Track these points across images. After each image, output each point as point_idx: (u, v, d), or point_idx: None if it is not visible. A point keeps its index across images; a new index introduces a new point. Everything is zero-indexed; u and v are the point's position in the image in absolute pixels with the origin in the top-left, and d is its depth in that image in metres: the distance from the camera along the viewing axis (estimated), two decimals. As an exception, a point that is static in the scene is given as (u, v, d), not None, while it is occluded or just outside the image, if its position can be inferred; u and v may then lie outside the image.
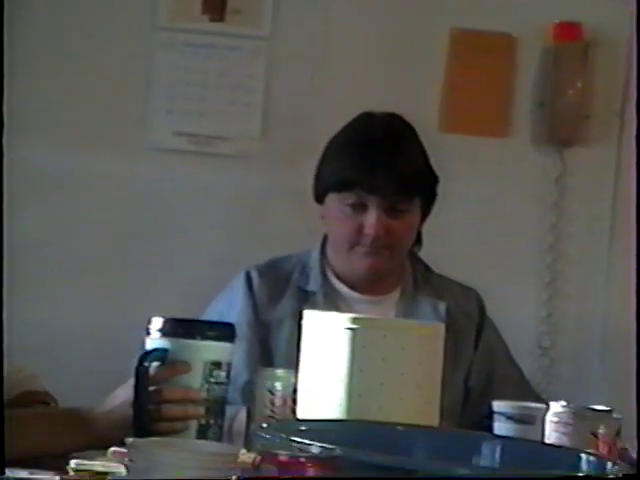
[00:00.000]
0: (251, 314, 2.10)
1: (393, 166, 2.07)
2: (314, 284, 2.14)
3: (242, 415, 1.75)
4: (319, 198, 2.15)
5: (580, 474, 1.21)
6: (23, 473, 1.39)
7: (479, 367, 2.16)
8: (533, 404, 1.75)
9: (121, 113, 2.82)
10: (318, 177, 2.16)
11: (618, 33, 2.90)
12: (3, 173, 1.38)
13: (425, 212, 2.16)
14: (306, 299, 2.11)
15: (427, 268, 2.24)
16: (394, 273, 2.16)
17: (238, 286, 2.14)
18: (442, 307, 2.15)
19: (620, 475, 1.16)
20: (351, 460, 1.07)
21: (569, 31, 2.87)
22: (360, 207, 2.08)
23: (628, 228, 2.91)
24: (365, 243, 2.09)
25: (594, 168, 2.92)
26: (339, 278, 2.16)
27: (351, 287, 2.15)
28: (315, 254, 2.18)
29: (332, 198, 2.12)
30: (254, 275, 2.14)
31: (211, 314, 2.11)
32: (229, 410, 1.67)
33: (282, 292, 2.13)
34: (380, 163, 2.06)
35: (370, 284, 2.14)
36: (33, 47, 2.74)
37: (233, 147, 2.85)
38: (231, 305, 2.12)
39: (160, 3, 2.83)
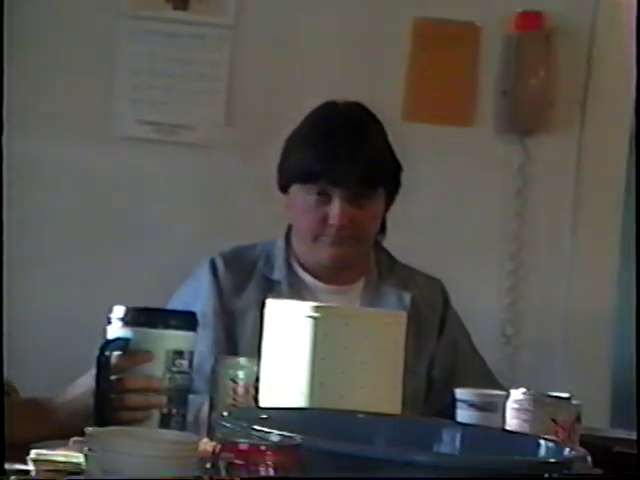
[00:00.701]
0: (217, 302, 2.09)
1: (356, 157, 2.07)
2: (278, 273, 2.14)
3: (207, 406, 1.75)
4: (283, 188, 2.15)
5: (538, 459, 1.22)
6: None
7: (442, 357, 2.17)
8: (495, 391, 1.76)
9: (85, 102, 2.81)
10: (281, 168, 2.15)
11: (579, 22, 2.92)
12: (3, 173, 1.38)
13: (389, 201, 2.16)
14: (271, 288, 2.11)
15: (391, 258, 2.25)
16: (359, 263, 2.17)
17: (203, 274, 2.13)
18: (407, 297, 2.15)
19: (579, 460, 1.17)
20: (311, 448, 1.07)
21: (531, 20, 2.88)
22: (324, 197, 2.08)
23: (591, 215, 2.94)
24: (329, 233, 2.09)
25: (557, 156, 2.93)
26: (303, 268, 2.16)
27: (315, 277, 2.16)
28: (280, 243, 2.18)
29: (296, 189, 2.11)
30: (219, 263, 2.13)
31: (176, 303, 2.10)
32: (195, 399, 1.67)
33: (247, 281, 2.12)
34: (343, 154, 2.06)
35: (334, 274, 2.14)
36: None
37: (197, 136, 2.84)
38: (197, 294, 2.11)
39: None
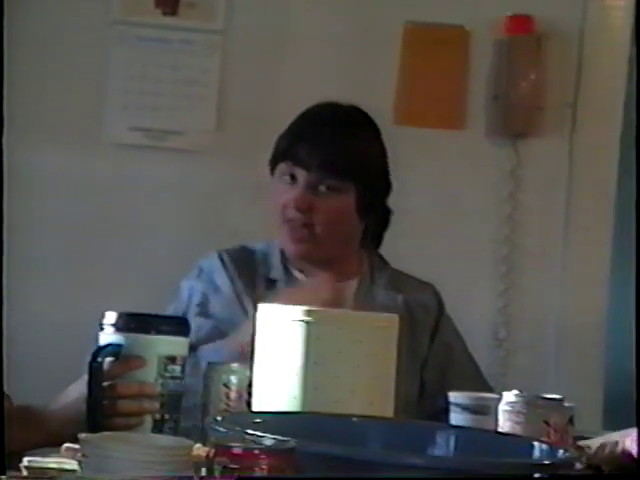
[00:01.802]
0: (236, 287, 2.10)
1: (324, 140, 2.07)
2: (276, 273, 2.15)
3: None
4: (272, 175, 2.16)
5: (532, 461, 1.22)
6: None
7: (434, 361, 2.16)
8: (488, 395, 1.76)
9: (76, 108, 2.81)
10: (271, 155, 2.17)
11: (570, 25, 2.92)
12: (3, 173, 1.38)
13: (363, 205, 2.13)
14: (271, 287, 2.11)
15: (384, 262, 2.24)
16: (345, 262, 2.15)
17: (214, 266, 2.13)
18: (399, 299, 2.15)
19: (573, 461, 1.17)
20: (305, 452, 1.07)
21: (521, 24, 2.88)
22: (293, 181, 2.09)
23: (583, 218, 2.94)
24: (289, 218, 2.08)
25: (548, 159, 2.94)
26: (297, 268, 2.16)
27: (307, 276, 2.16)
28: (276, 243, 2.18)
29: (276, 172, 2.13)
30: (226, 258, 2.14)
31: (186, 295, 2.10)
32: None
33: (252, 279, 2.13)
34: (310, 137, 2.07)
35: (322, 273, 2.13)
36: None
37: (188, 141, 2.84)
38: (210, 283, 2.11)
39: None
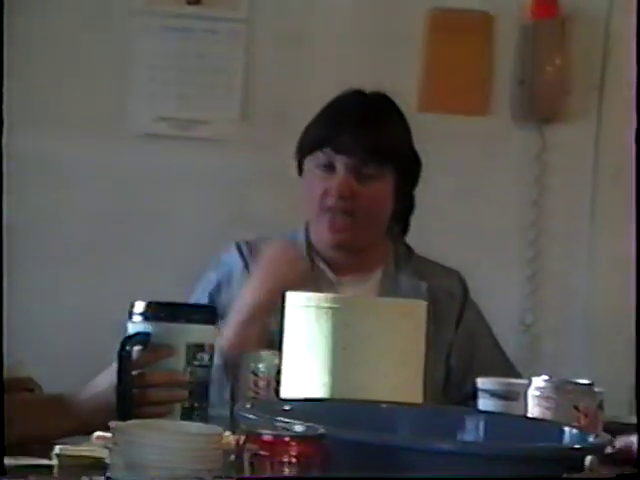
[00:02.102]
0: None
1: (363, 126, 2.07)
2: None
3: None
4: (299, 168, 2.15)
5: (564, 446, 1.22)
6: (9, 460, 1.40)
7: (460, 347, 2.16)
8: (517, 380, 1.76)
9: (101, 99, 2.82)
10: (298, 146, 2.16)
11: (595, 8, 2.91)
12: (3, 172, 1.38)
13: (401, 191, 2.14)
14: None
15: (409, 249, 2.24)
16: (369, 250, 2.15)
17: (233, 259, 2.13)
18: (424, 287, 2.14)
19: (604, 446, 1.16)
20: (335, 438, 1.07)
21: (546, 8, 2.87)
22: (329, 169, 2.08)
23: (609, 202, 2.93)
24: (330, 206, 2.07)
25: (574, 143, 2.92)
26: (322, 258, 2.16)
27: (333, 268, 2.15)
28: (300, 234, 2.18)
29: (306, 163, 2.12)
30: (245, 249, 2.14)
31: (205, 288, 2.11)
32: None
33: None
34: (349, 122, 2.07)
35: (348, 262, 2.13)
36: (11, 34, 2.73)
37: (213, 131, 2.84)
38: (230, 276, 2.12)
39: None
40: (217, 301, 2.08)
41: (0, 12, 1.46)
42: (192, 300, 2.11)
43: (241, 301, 1.98)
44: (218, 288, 2.11)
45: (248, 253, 2.13)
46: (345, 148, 2.06)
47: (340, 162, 2.07)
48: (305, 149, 2.12)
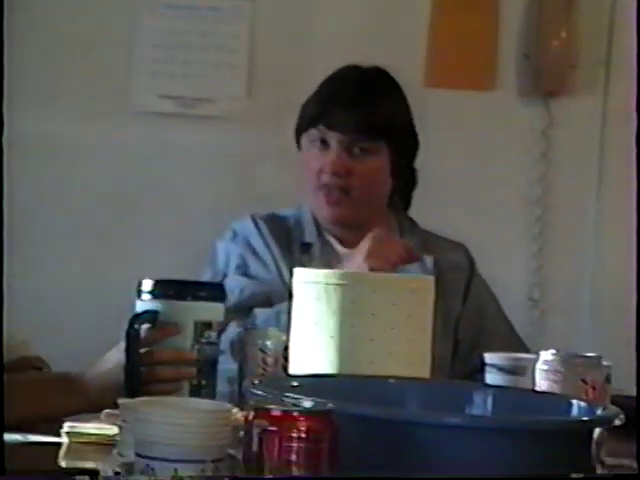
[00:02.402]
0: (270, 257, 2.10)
1: (356, 103, 2.07)
2: (310, 236, 2.15)
3: None
4: (298, 142, 2.16)
5: (572, 418, 1.22)
6: (17, 437, 1.40)
7: (468, 320, 2.16)
8: (524, 355, 1.76)
9: (105, 77, 2.81)
10: (296, 123, 2.16)
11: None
12: (3, 172, 1.39)
13: (397, 166, 2.13)
14: (306, 251, 2.12)
15: (413, 223, 2.24)
16: (375, 225, 2.15)
17: (250, 231, 2.13)
18: (429, 260, 2.14)
19: (612, 418, 1.16)
20: (343, 413, 1.07)
21: (552, -19, 2.86)
22: (324, 146, 2.08)
23: (616, 178, 2.92)
24: (326, 184, 2.08)
25: (581, 118, 2.91)
26: (329, 232, 2.17)
27: (339, 239, 2.16)
28: (306, 210, 2.18)
29: (303, 140, 2.13)
30: (261, 223, 2.15)
31: (227, 259, 2.11)
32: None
33: (287, 243, 2.13)
34: (342, 99, 2.07)
35: (353, 236, 2.13)
36: (13, 15, 2.72)
37: (218, 108, 2.84)
38: (251, 248, 2.12)
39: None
40: (248, 272, 2.09)
41: (0, 13, 1.45)
42: (208, 273, 2.11)
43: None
44: (244, 260, 2.11)
45: (264, 226, 2.14)
46: (337, 125, 2.06)
47: (333, 139, 2.08)
48: (301, 126, 2.13)
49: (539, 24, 2.87)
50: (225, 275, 2.10)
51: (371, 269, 1.92)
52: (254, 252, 2.12)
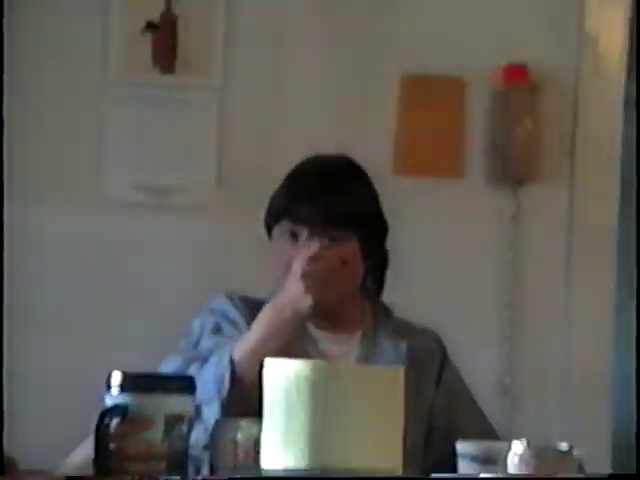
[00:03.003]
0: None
1: (320, 196, 2.09)
2: None
3: None
4: (269, 233, 2.17)
5: None
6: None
7: (441, 406, 2.17)
8: (496, 443, 1.75)
9: (75, 168, 2.82)
10: (265, 215, 2.18)
11: (564, 73, 2.95)
12: (4, 174, 1.38)
13: (368, 255, 2.15)
14: None
15: (387, 310, 2.25)
16: (349, 309, 2.16)
17: (226, 307, 2.14)
18: (403, 346, 2.15)
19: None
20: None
21: (516, 72, 2.91)
22: (294, 238, 2.11)
23: (585, 263, 2.94)
24: (296, 272, 2.08)
25: (548, 205, 2.95)
26: None
27: (315, 324, 2.16)
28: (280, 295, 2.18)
29: (274, 231, 2.15)
30: (237, 300, 2.15)
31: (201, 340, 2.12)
32: None
33: None
34: (306, 192, 2.10)
35: (329, 322, 2.14)
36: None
37: (189, 198, 2.85)
38: (227, 319, 2.13)
39: (111, 55, 2.84)
40: (223, 333, 2.09)
41: (0, 15, 1.45)
42: (182, 345, 2.11)
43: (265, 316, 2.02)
44: (219, 325, 2.12)
45: (240, 303, 2.14)
46: (303, 219, 2.09)
47: (302, 232, 2.09)
48: (270, 220, 2.15)
49: (505, 114, 2.92)
50: (199, 342, 2.11)
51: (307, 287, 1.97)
52: (228, 319, 2.13)
